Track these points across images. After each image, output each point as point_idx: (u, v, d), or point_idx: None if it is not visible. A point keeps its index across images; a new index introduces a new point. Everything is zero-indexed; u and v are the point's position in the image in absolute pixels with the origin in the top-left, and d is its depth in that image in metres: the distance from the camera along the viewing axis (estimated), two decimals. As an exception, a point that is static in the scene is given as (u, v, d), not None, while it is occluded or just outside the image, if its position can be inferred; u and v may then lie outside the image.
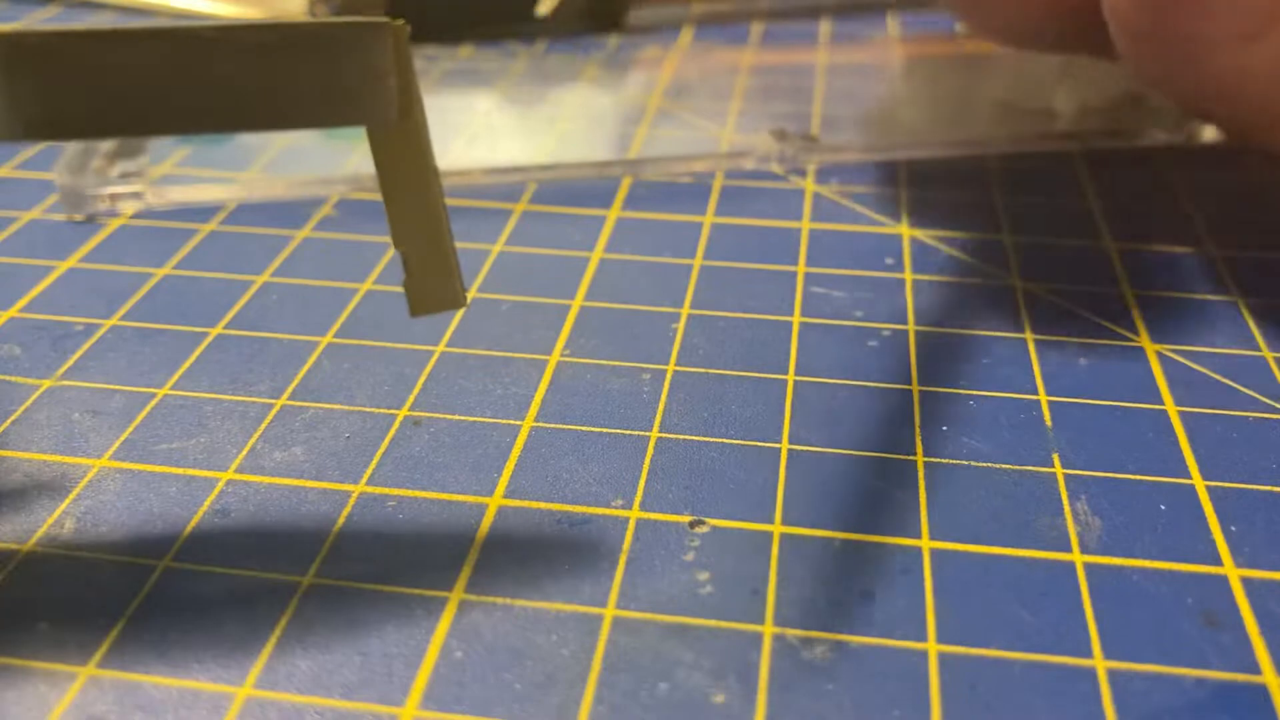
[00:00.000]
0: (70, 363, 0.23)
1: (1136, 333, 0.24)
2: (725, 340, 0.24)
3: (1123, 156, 0.32)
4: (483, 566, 0.18)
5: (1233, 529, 0.19)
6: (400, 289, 0.26)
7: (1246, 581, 0.18)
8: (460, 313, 0.25)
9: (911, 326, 0.24)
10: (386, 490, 0.20)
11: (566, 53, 0.40)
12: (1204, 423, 0.22)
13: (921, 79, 0.38)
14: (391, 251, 0.27)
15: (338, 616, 0.17)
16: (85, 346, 0.24)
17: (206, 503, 0.19)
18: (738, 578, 0.18)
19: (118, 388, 0.22)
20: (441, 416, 0.22)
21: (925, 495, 0.20)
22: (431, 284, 0.17)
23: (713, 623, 0.17)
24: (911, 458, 0.21)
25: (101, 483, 0.20)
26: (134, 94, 0.14)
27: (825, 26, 0.44)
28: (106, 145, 0.31)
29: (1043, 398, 0.22)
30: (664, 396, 0.22)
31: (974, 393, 0.22)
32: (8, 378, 0.23)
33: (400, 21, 0.16)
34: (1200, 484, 0.20)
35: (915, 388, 0.22)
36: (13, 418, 0.22)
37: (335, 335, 0.24)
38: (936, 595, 0.18)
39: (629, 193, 0.30)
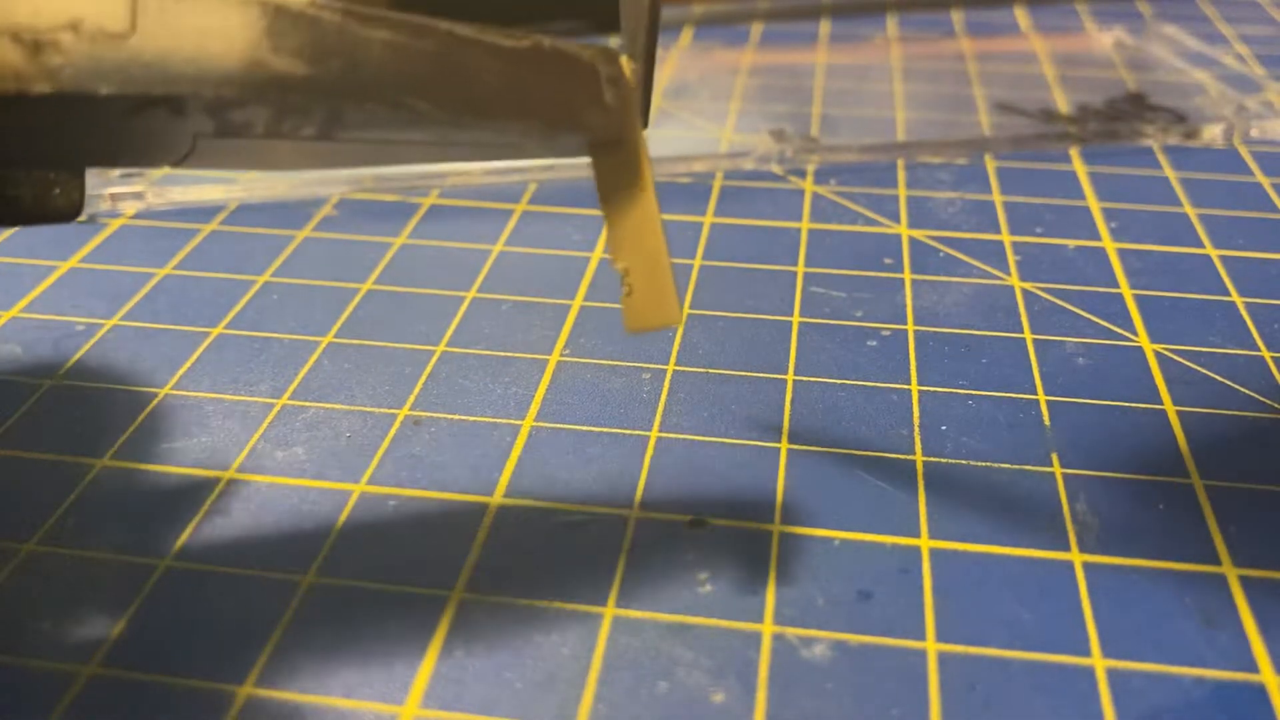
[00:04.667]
0: (71, 362, 0.23)
1: (1136, 333, 0.24)
2: (725, 340, 0.24)
3: (1123, 156, 0.32)
4: (483, 566, 0.18)
5: (1231, 529, 0.19)
6: (399, 288, 0.26)
7: (1245, 581, 0.18)
8: (460, 312, 0.25)
9: (911, 326, 0.24)
10: (386, 490, 0.20)
11: (566, 53, 0.40)
12: (1203, 423, 0.22)
13: (921, 79, 0.38)
14: (393, 251, 0.27)
15: (338, 616, 0.17)
16: (86, 346, 0.24)
17: (207, 502, 0.19)
18: (738, 577, 0.18)
19: (119, 387, 0.22)
20: (441, 416, 0.22)
21: (925, 495, 0.20)
22: (649, 301, 0.17)
23: (713, 622, 0.17)
24: (911, 458, 0.21)
25: (102, 483, 0.20)
26: (390, 71, 0.14)
27: (825, 26, 0.44)
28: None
29: (1042, 398, 0.22)
30: (664, 396, 0.22)
31: (974, 393, 0.22)
32: (9, 377, 0.23)
33: (626, 57, 0.17)
34: (1199, 484, 0.20)
35: (915, 388, 0.22)
36: (14, 417, 0.22)
37: (335, 335, 0.24)
38: (935, 595, 0.18)
39: (629, 193, 0.30)
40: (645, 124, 0.21)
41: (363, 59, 0.14)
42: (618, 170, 0.17)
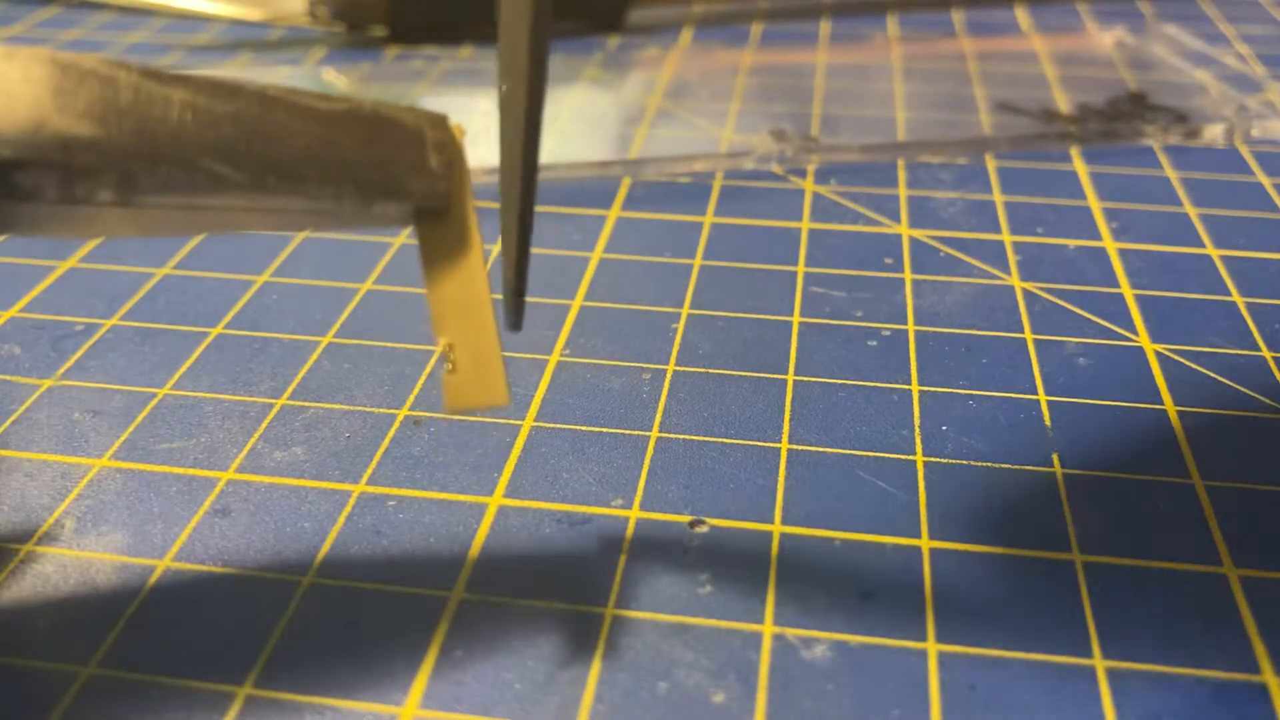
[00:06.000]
0: (70, 362, 0.23)
1: (1136, 333, 0.24)
2: (725, 340, 0.24)
3: (1123, 156, 0.32)
4: (483, 566, 0.18)
5: (1231, 529, 0.19)
6: (399, 288, 0.26)
7: (1245, 581, 0.18)
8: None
9: (911, 326, 0.24)
10: (386, 490, 0.20)
11: (566, 53, 0.40)
12: (1204, 423, 0.22)
13: (921, 79, 0.38)
14: (392, 251, 0.27)
15: (338, 616, 0.17)
16: (85, 346, 0.24)
17: (207, 503, 0.19)
18: (738, 578, 0.18)
19: (118, 387, 0.22)
20: (441, 416, 0.22)
21: (925, 495, 0.20)
22: (473, 379, 0.16)
23: (713, 623, 0.17)
24: (911, 458, 0.21)
25: (101, 483, 0.20)
26: (188, 133, 0.14)
27: (825, 26, 0.44)
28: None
29: (1042, 398, 0.22)
30: (664, 396, 0.22)
31: (974, 393, 0.22)
32: (8, 378, 0.23)
33: (458, 123, 0.16)
34: (1200, 484, 0.20)
35: (915, 388, 0.22)
36: (13, 418, 0.22)
37: (335, 335, 0.24)
38: (936, 595, 0.18)
39: (629, 193, 0.30)
40: (518, 328, 0.19)
41: (159, 119, 0.13)
42: (445, 239, 0.16)
